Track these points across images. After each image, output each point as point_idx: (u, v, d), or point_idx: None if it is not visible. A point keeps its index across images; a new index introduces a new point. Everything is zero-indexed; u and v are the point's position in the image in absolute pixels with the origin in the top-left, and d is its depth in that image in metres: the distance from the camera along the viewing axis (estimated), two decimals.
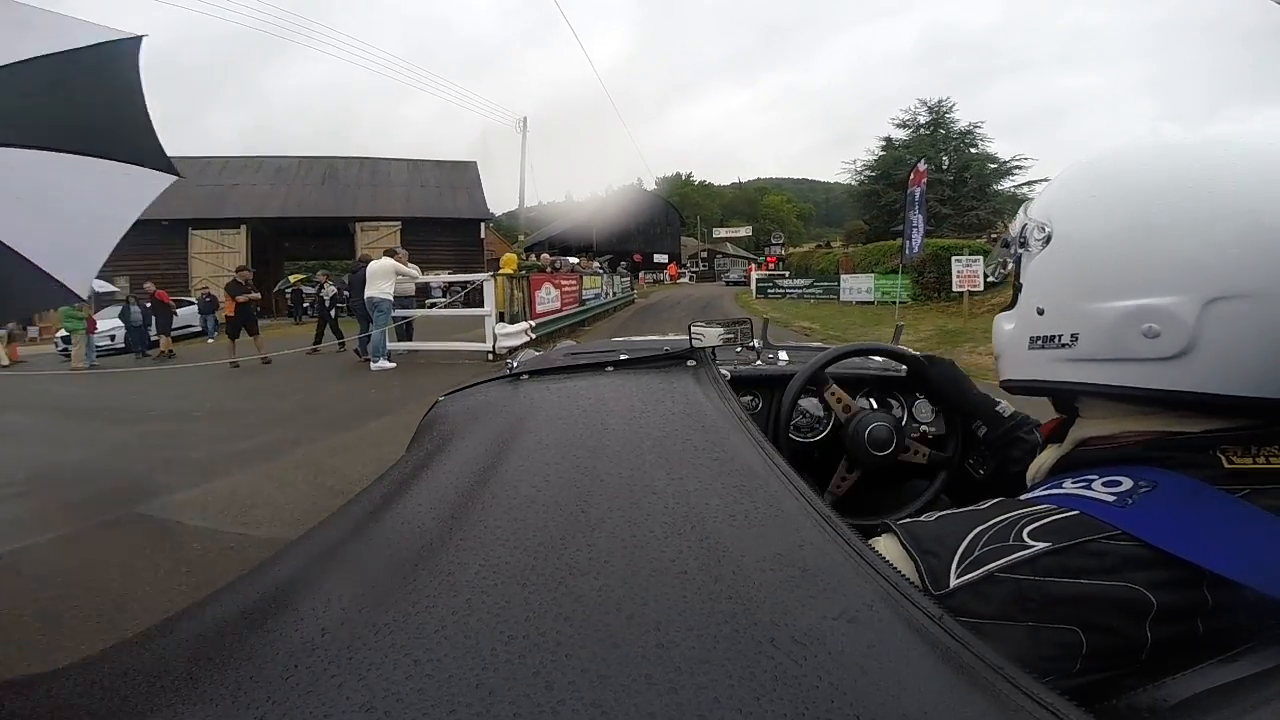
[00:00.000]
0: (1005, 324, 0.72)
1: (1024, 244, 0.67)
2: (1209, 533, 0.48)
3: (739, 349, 1.64)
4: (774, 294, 25.75)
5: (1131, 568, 0.48)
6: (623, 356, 1.26)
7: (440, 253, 23.39)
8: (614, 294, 19.88)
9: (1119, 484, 0.54)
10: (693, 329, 1.28)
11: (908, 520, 0.59)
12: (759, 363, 1.62)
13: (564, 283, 12.91)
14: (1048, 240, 0.63)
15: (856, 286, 21.92)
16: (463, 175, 27.31)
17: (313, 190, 25.00)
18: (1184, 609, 0.47)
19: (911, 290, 18.38)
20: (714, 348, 1.28)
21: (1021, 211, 0.70)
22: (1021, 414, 1.12)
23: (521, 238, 24.93)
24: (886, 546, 0.58)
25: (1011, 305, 0.71)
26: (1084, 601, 0.48)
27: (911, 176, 15.04)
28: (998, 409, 1.14)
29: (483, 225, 25.71)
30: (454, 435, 0.95)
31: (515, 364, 1.37)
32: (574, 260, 17.90)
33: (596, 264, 19.41)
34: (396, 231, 22.68)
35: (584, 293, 15.00)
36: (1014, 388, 0.71)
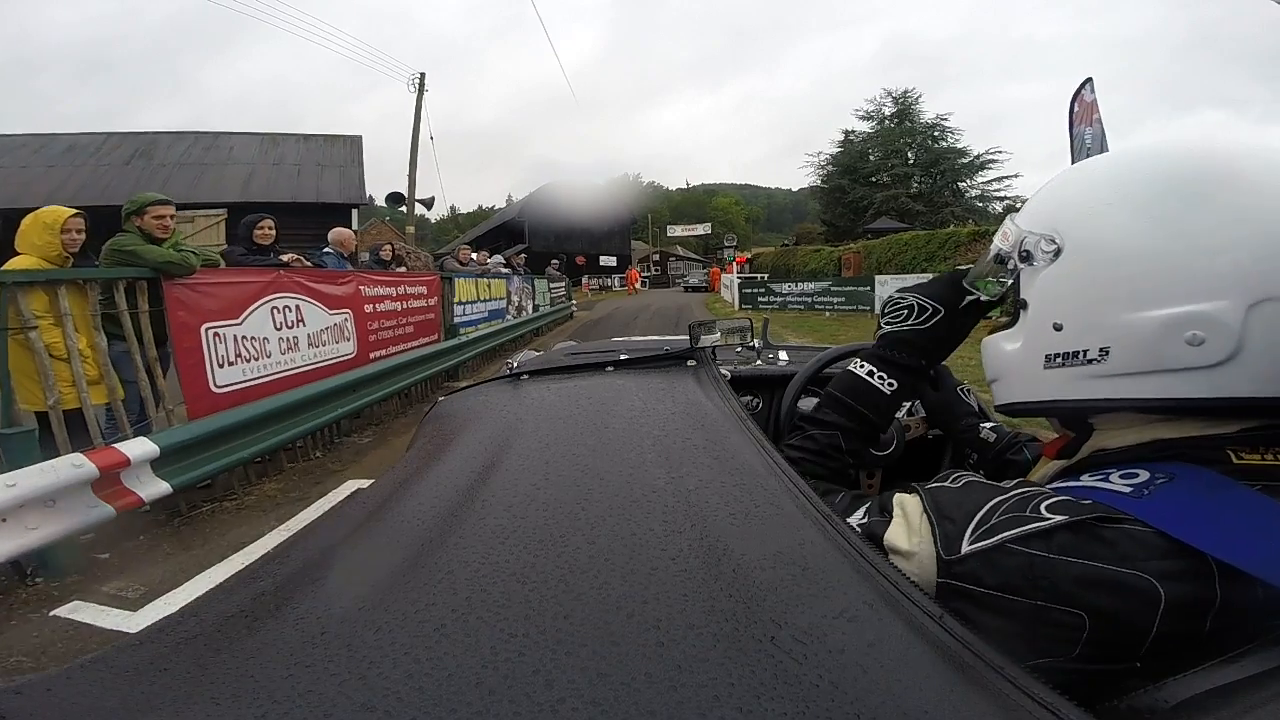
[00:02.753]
0: (1006, 344, 0.68)
1: (1026, 258, 0.64)
2: (1226, 524, 0.48)
3: (739, 349, 1.66)
4: (767, 303, 18.52)
5: (1145, 556, 0.47)
6: (623, 356, 1.27)
7: (287, 249, 16.11)
8: (535, 308, 12.80)
9: (1136, 476, 0.53)
10: (693, 329, 1.30)
11: (935, 485, 0.60)
12: (759, 363, 1.62)
13: (383, 288, 5.82)
14: (1057, 253, 0.61)
15: None
16: (337, 152, 21.31)
17: (110, 173, 18.31)
18: (1193, 605, 0.47)
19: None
20: (714, 348, 1.28)
21: (1010, 223, 0.67)
22: (1009, 433, 1.07)
23: (410, 230, 18.38)
24: (909, 502, 0.59)
25: (1011, 324, 0.68)
26: (1092, 585, 0.47)
27: (1076, 108, 9.05)
28: (981, 435, 1.09)
29: (354, 212, 19.26)
30: (454, 435, 0.95)
31: (515, 364, 1.36)
32: (431, 254, 9.97)
33: (497, 259, 11.65)
34: (219, 223, 16.07)
35: (460, 311, 7.80)
36: (1019, 411, 0.67)
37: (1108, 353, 0.57)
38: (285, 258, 4.62)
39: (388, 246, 7.10)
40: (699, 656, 0.41)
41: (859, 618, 0.45)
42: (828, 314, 16.36)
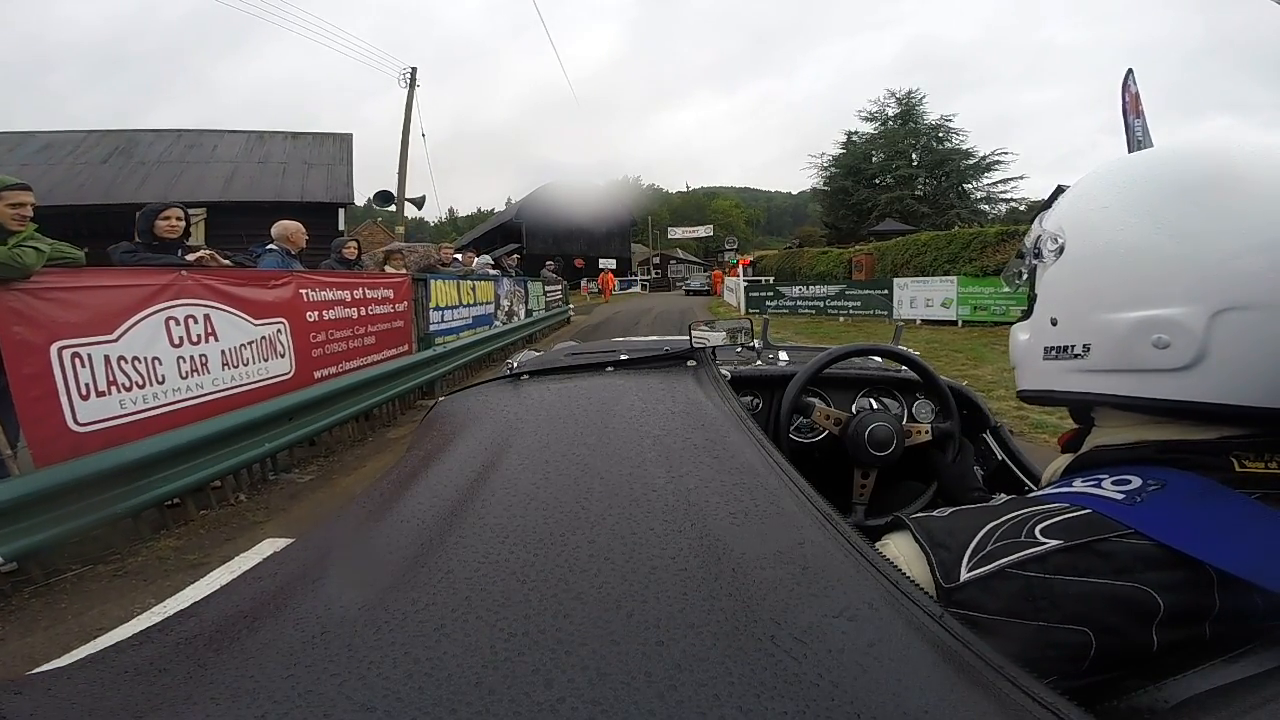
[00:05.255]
0: (1021, 334, 0.71)
1: (1038, 255, 0.66)
2: (1218, 530, 0.48)
3: (739, 349, 1.66)
4: (776, 307, 17.37)
5: (1141, 568, 0.47)
6: (623, 356, 1.25)
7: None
8: (529, 312, 12.03)
9: (1128, 482, 0.53)
10: (693, 329, 1.30)
11: (921, 515, 0.59)
12: (759, 363, 1.60)
13: (333, 292, 4.77)
14: (1060, 251, 0.63)
15: (925, 297, 13.72)
16: (325, 150, 20.34)
17: (86, 171, 17.62)
18: (1191, 613, 0.46)
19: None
20: (714, 348, 1.26)
21: (1036, 222, 0.70)
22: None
23: (401, 230, 18.34)
24: (898, 540, 0.58)
25: (1027, 315, 0.71)
26: (1092, 601, 0.47)
27: (1125, 100, 8.69)
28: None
29: (341, 211, 18.26)
30: (454, 434, 0.94)
31: (515, 364, 1.34)
32: (392, 248, 8.24)
33: (484, 259, 10.61)
34: (200, 222, 15.25)
35: (437, 317, 6.95)
36: (1030, 398, 0.70)
37: (1089, 349, 0.59)
38: (194, 255, 3.62)
39: (352, 244, 6.08)
40: (699, 656, 0.41)
41: (859, 617, 0.45)
42: (841, 319, 15.47)
